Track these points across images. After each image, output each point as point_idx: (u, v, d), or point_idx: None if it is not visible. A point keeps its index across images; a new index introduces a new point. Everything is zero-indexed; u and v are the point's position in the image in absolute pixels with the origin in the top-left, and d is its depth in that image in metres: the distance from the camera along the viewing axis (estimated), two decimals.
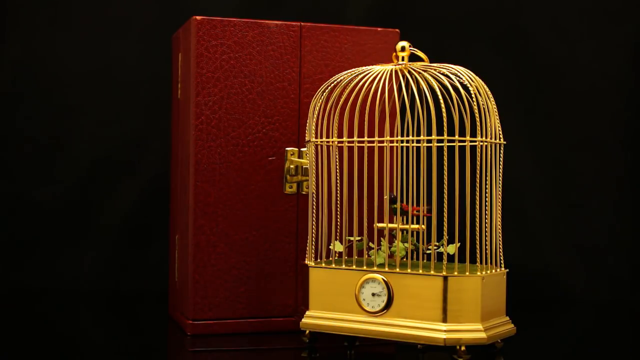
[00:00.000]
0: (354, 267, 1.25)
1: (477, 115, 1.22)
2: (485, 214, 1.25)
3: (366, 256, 1.26)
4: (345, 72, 1.33)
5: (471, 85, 1.24)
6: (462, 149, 1.23)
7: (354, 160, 1.27)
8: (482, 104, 1.24)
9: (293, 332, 1.37)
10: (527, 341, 1.39)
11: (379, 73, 1.29)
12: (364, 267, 1.25)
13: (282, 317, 1.42)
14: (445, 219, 1.20)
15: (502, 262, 1.28)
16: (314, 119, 1.32)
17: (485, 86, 1.27)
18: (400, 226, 1.27)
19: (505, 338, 1.25)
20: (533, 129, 1.91)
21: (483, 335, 1.19)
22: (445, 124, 1.21)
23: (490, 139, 1.25)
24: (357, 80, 1.31)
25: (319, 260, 1.30)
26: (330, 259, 1.31)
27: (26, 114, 1.87)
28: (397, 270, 1.22)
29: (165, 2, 1.90)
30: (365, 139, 1.26)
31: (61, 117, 1.88)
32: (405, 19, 1.89)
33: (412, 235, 1.31)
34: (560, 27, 1.91)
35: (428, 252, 1.25)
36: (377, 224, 1.29)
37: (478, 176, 1.23)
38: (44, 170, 1.87)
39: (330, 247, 1.31)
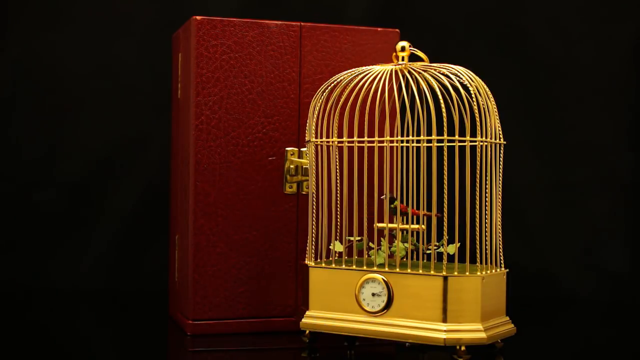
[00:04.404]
0: (354, 267, 1.25)
1: (477, 115, 1.22)
2: (485, 214, 1.25)
3: (366, 256, 1.26)
4: (345, 72, 1.33)
5: (471, 85, 1.24)
6: (462, 149, 1.23)
7: (354, 160, 1.27)
8: (482, 104, 1.24)
9: (293, 332, 1.37)
10: (527, 341, 1.39)
11: (379, 73, 1.29)
12: (364, 267, 1.25)
13: (282, 317, 1.42)
14: (445, 219, 1.20)
15: (502, 262, 1.28)
16: (314, 119, 1.32)
17: (485, 86, 1.27)
18: (400, 226, 1.27)
19: (505, 338, 1.25)
20: (533, 128, 1.91)
21: (483, 335, 1.19)
22: (445, 124, 1.21)
23: (490, 139, 1.25)
24: (357, 80, 1.31)
25: (318, 260, 1.30)
26: (330, 259, 1.31)
27: (26, 114, 1.87)
28: (397, 270, 1.22)
29: (166, 2, 1.90)
30: (365, 139, 1.26)
31: (61, 117, 1.88)
32: (405, 19, 1.89)
33: (412, 235, 1.31)
34: (560, 27, 1.91)
35: (428, 252, 1.25)
36: (377, 224, 1.29)
37: (478, 176, 1.23)
38: (44, 170, 1.87)
39: (330, 247, 1.31)
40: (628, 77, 1.90)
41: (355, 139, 1.27)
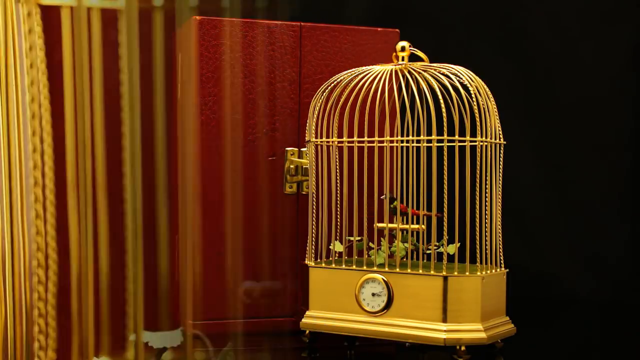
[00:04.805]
0: (354, 267, 1.25)
1: (477, 115, 1.23)
2: (485, 214, 1.25)
3: (366, 256, 1.26)
4: (345, 72, 1.33)
5: (471, 85, 1.24)
6: (462, 149, 1.23)
7: (354, 160, 1.27)
8: (482, 104, 1.24)
9: (293, 332, 1.37)
10: (527, 341, 1.38)
11: (379, 73, 1.29)
12: (364, 267, 1.25)
13: (282, 317, 1.42)
14: (445, 219, 1.20)
15: (502, 262, 1.28)
16: (314, 119, 1.32)
17: (485, 86, 1.27)
18: (400, 226, 1.27)
19: (505, 338, 1.25)
20: (533, 129, 1.91)
21: (483, 335, 1.19)
22: (445, 124, 1.21)
23: (490, 139, 1.25)
24: (357, 80, 1.31)
25: (319, 260, 1.30)
26: (330, 259, 1.31)
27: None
28: (397, 270, 1.22)
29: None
30: (365, 139, 1.26)
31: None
32: (406, 19, 1.89)
33: (412, 235, 1.31)
34: (560, 27, 1.91)
35: (428, 252, 1.25)
36: (377, 224, 1.29)
37: (478, 176, 1.23)
38: None
39: (330, 247, 1.30)
40: (628, 77, 1.90)
41: (355, 139, 1.27)
